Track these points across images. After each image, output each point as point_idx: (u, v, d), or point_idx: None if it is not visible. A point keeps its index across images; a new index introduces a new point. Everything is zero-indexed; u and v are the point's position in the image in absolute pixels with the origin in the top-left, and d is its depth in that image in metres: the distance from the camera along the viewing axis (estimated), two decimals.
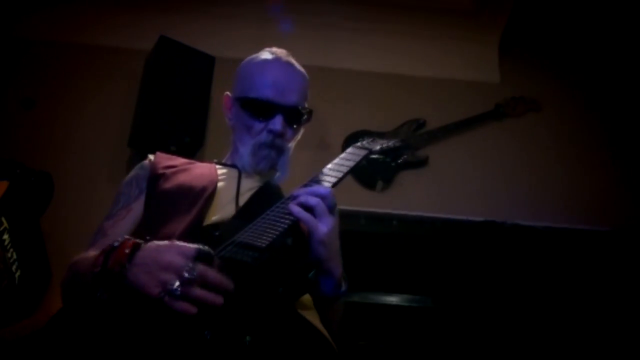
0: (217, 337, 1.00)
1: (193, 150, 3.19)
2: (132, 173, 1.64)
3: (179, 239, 1.16)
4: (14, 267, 2.50)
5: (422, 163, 3.50)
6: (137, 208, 1.53)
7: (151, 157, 1.66)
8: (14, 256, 2.50)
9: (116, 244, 1.13)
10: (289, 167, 1.68)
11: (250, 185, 1.58)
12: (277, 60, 1.65)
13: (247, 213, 1.45)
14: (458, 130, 3.59)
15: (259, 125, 1.61)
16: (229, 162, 1.69)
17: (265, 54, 1.68)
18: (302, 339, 1.22)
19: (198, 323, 1.01)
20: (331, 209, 1.33)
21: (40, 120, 3.32)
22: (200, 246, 1.09)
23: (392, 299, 3.20)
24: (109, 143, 3.32)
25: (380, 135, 3.56)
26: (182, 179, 1.55)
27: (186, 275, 1.02)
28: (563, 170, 3.49)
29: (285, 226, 1.27)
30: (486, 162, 3.51)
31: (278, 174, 1.69)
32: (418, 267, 3.17)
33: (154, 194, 1.53)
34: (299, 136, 1.70)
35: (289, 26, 3.59)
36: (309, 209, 1.30)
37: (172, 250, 1.08)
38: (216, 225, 1.37)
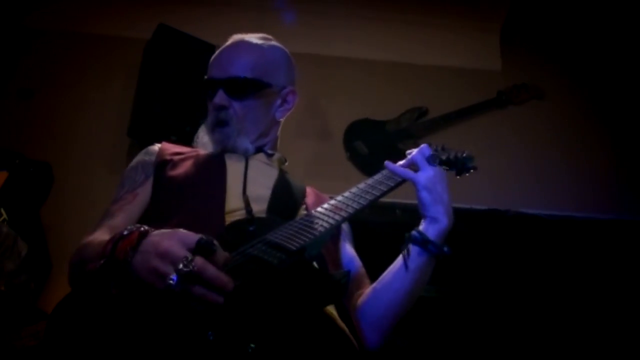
0: (219, 340, 0.95)
1: (192, 140, 3.15)
2: (138, 158, 1.61)
3: (190, 228, 1.10)
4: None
5: None
6: (143, 193, 1.50)
7: (158, 144, 1.64)
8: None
9: (126, 232, 1.09)
10: (277, 147, 1.70)
11: (258, 172, 1.56)
12: (229, 43, 1.66)
13: (276, 207, 1.43)
14: (460, 118, 3.56)
15: (209, 107, 1.63)
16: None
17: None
18: (317, 349, 1.14)
19: (202, 321, 0.97)
20: (429, 160, 1.41)
21: (39, 110, 3.29)
22: (203, 236, 1.03)
23: None
24: (108, 133, 3.29)
25: (382, 123, 3.54)
26: (190, 165, 1.53)
27: (181, 267, 0.97)
28: (566, 158, 3.47)
29: (320, 232, 1.22)
30: (489, 150, 3.47)
31: (287, 163, 1.68)
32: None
33: (162, 180, 1.51)
34: (258, 110, 1.61)
35: (290, 15, 3.55)
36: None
37: (172, 239, 1.03)
38: (251, 220, 1.33)
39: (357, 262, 1.60)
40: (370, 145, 3.46)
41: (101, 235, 1.33)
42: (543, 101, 3.65)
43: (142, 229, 1.09)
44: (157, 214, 1.42)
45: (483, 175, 3.37)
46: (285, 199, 1.51)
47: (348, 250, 1.62)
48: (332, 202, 1.34)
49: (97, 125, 3.30)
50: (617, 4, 3.62)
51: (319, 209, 1.31)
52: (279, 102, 1.66)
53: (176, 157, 1.57)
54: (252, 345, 0.95)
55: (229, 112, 1.57)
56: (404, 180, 1.43)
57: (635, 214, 3.25)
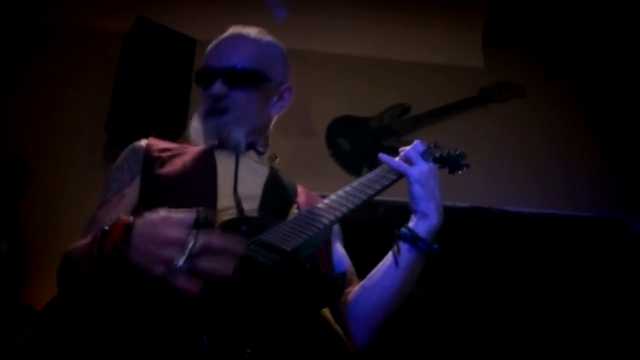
0: (215, 345, 0.90)
1: (174, 135, 3.09)
2: (122, 156, 1.55)
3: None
4: None
5: None
6: (131, 194, 1.44)
7: (144, 140, 1.58)
8: None
9: (106, 227, 1.03)
10: (270, 144, 1.66)
11: (249, 170, 1.52)
12: (228, 34, 1.62)
13: (268, 207, 1.39)
14: (443, 115, 3.55)
15: (204, 95, 1.57)
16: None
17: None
18: (314, 354, 1.10)
19: (197, 326, 0.92)
20: (423, 155, 1.42)
21: (14, 104, 3.21)
22: (197, 211, 0.97)
23: None
24: (85, 128, 3.21)
25: (364, 120, 3.51)
26: (179, 162, 1.48)
27: (190, 246, 0.91)
28: (548, 155, 3.48)
29: (314, 233, 1.18)
30: (472, 148, 3.43)
31: (277, 160, 1.65)
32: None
33: (151, 179, 1.44)
34: (256, 103, 1.57)
35: (277, 10, 3.51)
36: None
37: (168, 223, 0.96)
38: (243, 220, 1.29)
39: (347, 261, 1.57)
40: (353, 142, 3.43)
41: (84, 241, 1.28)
42: (525, 99, 3.66)
43: (123, 219, 1.02)
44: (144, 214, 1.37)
45: (466, 173, 3.42)
46: (277, 197, 1.47)
47: (338, 249, 1.60)
48: (326, 201, 1.30)
49: (74, 120, 3.22)
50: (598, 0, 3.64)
51: (313, 208, 1.28)
52: (275, 98, 1.63)
53: (164, 154, 1.51)
54: (249, 351, 0.91)
55: (228, 101, 1.52)
56: (398, 179, 1.40)
57: (620, 211, 3.26)
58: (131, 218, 1.02)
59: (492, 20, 3.80)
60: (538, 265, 3.14)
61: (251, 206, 1.39)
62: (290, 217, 1.44)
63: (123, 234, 0.99)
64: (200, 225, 0.95)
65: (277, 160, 1.66)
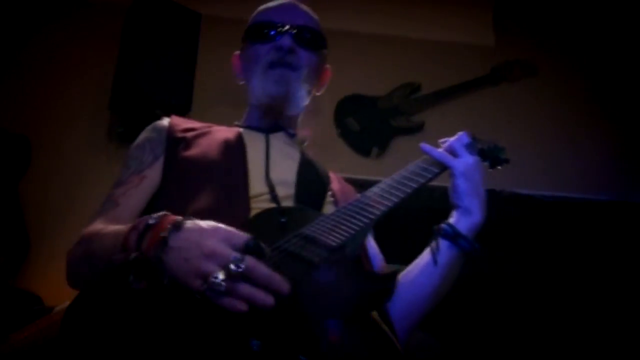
0: (266, 351, 0.83)
1: (179, 114, 2.98)
2: (144, 135, 1.43)
3: (212, 214, 0.98)
4: None
5: (417, 128, 3.38)
6: (152, 176, 1.34)
7: (166, 119, 1.48)
8: None
9: (152, 221, 0.96)
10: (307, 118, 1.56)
11: (280, 153, 1.42)
12: (282, 1, 1.55)
13: (303, 194, 1.30)
14: (454, 94, 3.47)
15: (265, 48, 1.46)
16: (245, 124, 1.52)
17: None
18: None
19: (245, 327, 0.85)
20: (468, 148, 1.35)
21: (15, 81, 3.10)
22: (252, 237, 0.91)
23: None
24: (87, 106, 3.12)
25: (373, 99, 3.42)
26: (205, 144, 1.37)
27: (232, 267, 0.85)
28: (561, 136, 3.40)
29: (360, 227, 1.10)
30: (483, 128, 3.33)
31: (306, 142, 1.55)
32: (415, 238, 3.07)
33: (175, 161, 1.34)
34: (315, 69, 1.50)
35: None
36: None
37: (217, 236, 0.90)
38: (282, 210, 1.20)
39: (381, 256, 1.49)
40: (362, 121, 3.35)
41: (108, 225, 1.18)
42: (537, 78, 3.57)
43: (171, 218, 0.96)
44: (169, 200, 1.27)
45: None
46: (312, 184, 1.38)
47: (372, 244, 1.51)
48: (369, 193, 1.21)
49: (75, 97, 3.12)
50: None
51: (356, 201, 1.19)
52: (321, 73, 1.57)
53: (189, 134, 1.40)
54: (303, 358, 0.84)
55: (297, 58, 1.43)
56: (441, 171, 1.32)
57: (634, 194, 3.20)
58: (179, 218, 0.95)
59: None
60: (550, 249, 3.09)
61: (285, 192, 1.30)
62: (326, 205, 1.37)
63: (167, 232, 0.92)
64: (249, 250, 0.89)
65: (306, 144, 1.56)
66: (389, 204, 1.17)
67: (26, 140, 2.47)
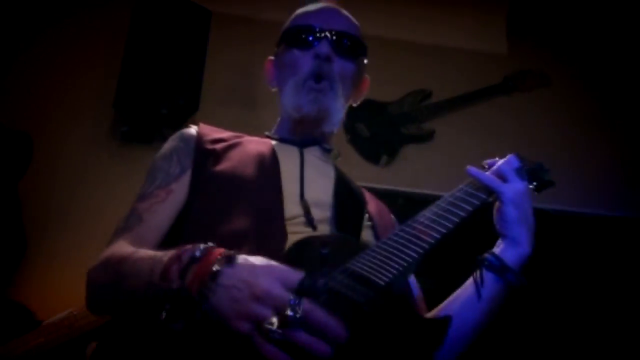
0: None
1: (186, 114, 2.92)
2: (170, 145, 1.33)
3: (246, 239, 0.93)
4: None
5: (428, 137, 3.30)
6: (179, 190, 1.24)
7: (194, 127, 1.37)
8: None
9: (198, 253, 0.88)
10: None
11: (315, 170, 1.33)
12: (322, 6, 1.46)
13: (341, 218, 1.21)
14: (465, 103, 3.39)
15: (301, 55, 1.37)
16: (277, 136, 1.42)
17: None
18: None
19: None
20: (518, 172, 1.25)
21: (18, 77, 2.99)
22: (306, 276, 0.84)
23: None
24: (91, 104, 3.02)
25: (384, 105, 3.35)
26: (237, 158, 1.27)
27: (290, 313, 0.78)
28: (574, 149, 3.33)
29: (411, 260, 1.02)
30: (494, 138, 3.33)
31: (339, 157, 1.44)
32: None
33: (204, 175, 1.24)
34: (353, 79, 1.41)
35: None
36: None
37: (271, 275, 0.83)
38: (323, 240, 1.09)
39: (417, 286, 1.39)
40: (372, 127, 3.27)
41: (136, 246, 1.10)
42: (550, 88, 3.50)
43: (218, 251, 0.88)
44: (197, 219, 1.18)
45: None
46: (348, 206, 1.29)
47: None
48: (413, 223, 1.12)
49: (79, 95, 3.02)
50: None
51: (401, 231, 1.09)
52: (358, 83, 1.49)
53: (219, 146, 1.30)
54: None
55: (334, 68, 1.34)
56: (489, 198, 1.22)
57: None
58: (229, 252, 0.88)
59: (516, 5, 3.64)
60: (562, 264, 3.03)
61: (321, 215, 1.22)
62: (364, 229, 1.28)
63: (217, 268, 0.85)
64: (304, 290, 0.82)
65: (339, 158, 1.46)
66: (437, 235, 1.08)
67: (28, 138, 2.37)
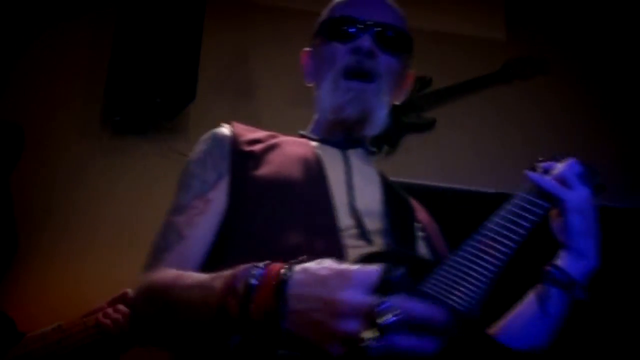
0: None
1: (182, 103, 2.78)
2: (203, 148, 1.21)
3: (301, 254, 0.81)
4: None
5: (428, 126, 3.23)
6: (218, 199, 1.12)
7: (226, 127, 1.24)
8: None
9: (253, 280, 0.77)
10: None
11: (361, 175, 1.22)
12: None
13: (394, 228, 1.11)
14: (465, 90, 3.33)
15: (341, 49, 1.25)
16: (315, 136, 1.30)
17: None
18: None
19: None
20: (582, 179, 1.13)
21: (7, 66, 2.80)
22: (388, 267, 0.74)
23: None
24: (81, 93, 2.86)
25: None
26: (278, 161, 1.16)
27: (385, 321, 0.68)
28: (577, 137, 3.28)
29: (486, 280, 0.94)
30: (496, 127, 3.29)
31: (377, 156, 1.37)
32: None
33: (244, 182, 1.13)
34: (397, 76, 1.29)
35: None
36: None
37: (345, 283, 0.73)
38: (392, 257, 0.97)
39: None
40: None
41: (178, 266, 1.00)
42: (550, 76, 3.44)
43: (275, 270, 0.78)
44: (243, 231, 1.07)
45: (490, 154, 3.23)
46: (400, 216, 1.19)
47: None
48: (477, 236, 1.03)
49: (69, 84, 2.86)
50: None
51: (466, 247, 1.00)
52: (404, 79, 1.36)
53: (256, 148, 1.19)
54: None
55: (377, 63, 1.22)
56: (552, 205, 1.11)
57: None
58: (287, 271, 0.77)
59: None
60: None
61: (373, 226, 1.12)
62: (418, 241, 1.19)
63: (275, 294, 0.75)
64: (394, 284, 0.73)
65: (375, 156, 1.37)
66: (507, 250, 1.00)
67: (20, 130, 2.22)
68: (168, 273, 0.98)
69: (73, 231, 2.60)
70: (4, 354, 1.77)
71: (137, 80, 2.70)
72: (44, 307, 2.32)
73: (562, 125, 3.33)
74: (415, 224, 1.24)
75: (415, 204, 1.33)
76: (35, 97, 2.78)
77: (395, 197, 1.24)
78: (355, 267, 0.77)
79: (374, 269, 0.75)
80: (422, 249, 1.21)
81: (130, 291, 1.53)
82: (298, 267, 0.77)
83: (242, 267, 0.82)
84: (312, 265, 0.78)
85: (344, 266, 0.77)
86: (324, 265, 0.78)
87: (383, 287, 0.72)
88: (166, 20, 2.78)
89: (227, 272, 0.83)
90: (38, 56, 2.86)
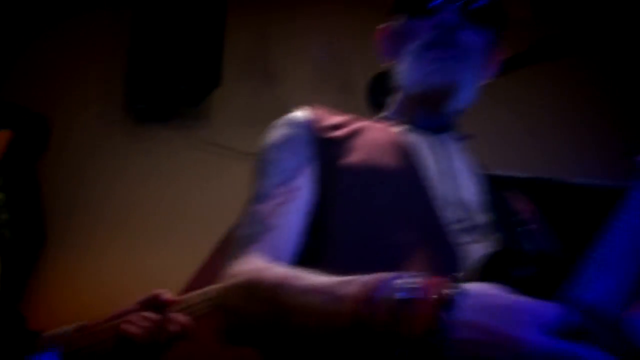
0: None
1: (207, 89, 2.73)
2: (280, 133, 1.12)
3: (412, 253, 0.79)
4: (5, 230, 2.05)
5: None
6: (304, 187, 1.04)
7: (303, 111, 1.15)
8: (6, 217, 2.04)
9: (403, 294, 0.70)
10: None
11: (455, 163, 1.13)
12: None
13: (503, 224, 1.03)
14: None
15: (422, 25, 1.14)
16: (398, 119, 1.19)
17: None
18: None
19: None
20: None
21: (31, 58, 2.76)
22: (571, 312, 0.68)
23: None
24: (104, 81, 2.81)
25: None
26: (365, 148, 1.07)
27: None
28: (605, 121, 3.22)
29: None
30: (524, 112, 3.22)
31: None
32: None
33: (332, 170, 1.05)
34: (484, 53, 1.16)
35: None
36: None
37: (517, 317, 0.66)
38: (525, 257, 0.92)
39: None
40: None
41: (268, 259, 0.93)
42: (576, 58, 3.37)
43: (434, 287, 0.71)
44: (339, 226, 0.99)
45: (516, 138, 3.17)
46: (501, 205, 1.10)
47: None
48: (616, 231, 0.88)
49: (92, 72, 2.81)
50: None
51: (608, 242, 0.87)
52: (493, 57, 1.22)
53: (339, 133, 1.10)
54: None
55: (462, 38, 1.10)
56: None
57: None
58: (451, 290, 0.70)
59: None
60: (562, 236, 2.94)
61: (480, 219, 1.04)
62: (527, 233, 1.09)
63: (436, 316, 0.68)
64: (573, 332, 0.66)
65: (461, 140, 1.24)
66: None
67: (44, 120, 2.18)
68: (272, 269, 0.91)
69: (100, 221, 2.56)
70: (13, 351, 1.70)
71: (161, 68, 2.67)
72: (71, 303, 2.29)
73: (589, 110, 3.28)
74: (519, 215, 1.15)
75: (511, 193, 1.22)
76: (59, 88, 2.72)
77: (493, 185, 1.15)
78: (530, 300, 0.70)
79: (554, 306, 0.68)
80: (534, 241, 1.10)
81: (162, 293, 1.37)
82: (463, 288, 0.71)
83: (381, 275, 0.75)
84: (479, 288, 0.71)
85: (516, 296, 0.70)
86: (493, 292, 0.71)
87: (570, 332, 0.66)
88: (189, 6, 2.74)
89: (359, 279, 0.77)
90: (61, 46, 2.81)
